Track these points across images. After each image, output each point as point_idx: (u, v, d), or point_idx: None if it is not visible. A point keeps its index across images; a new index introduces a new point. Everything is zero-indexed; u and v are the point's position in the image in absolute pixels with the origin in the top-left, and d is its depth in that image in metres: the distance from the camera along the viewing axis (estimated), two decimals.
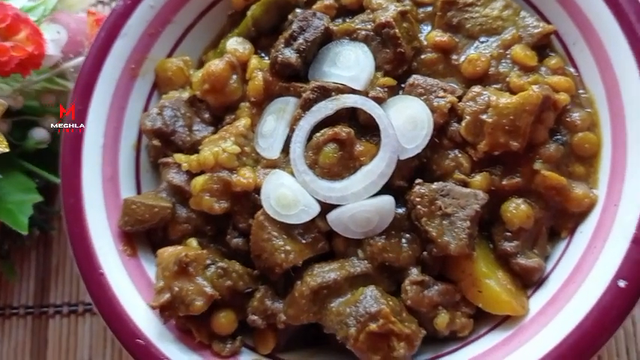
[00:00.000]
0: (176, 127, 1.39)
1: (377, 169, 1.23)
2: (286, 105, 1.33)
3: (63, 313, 1.67)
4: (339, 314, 1.19)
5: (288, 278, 1.26)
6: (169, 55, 1.48)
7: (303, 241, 1.24)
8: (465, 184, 1.24)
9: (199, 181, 1.29)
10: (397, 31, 1.28)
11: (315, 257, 1.25)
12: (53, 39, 1.51)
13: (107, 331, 1.60)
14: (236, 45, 1.41)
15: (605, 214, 1.21)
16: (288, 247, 1.23)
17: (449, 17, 1.34)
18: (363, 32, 1.32)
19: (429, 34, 1.34)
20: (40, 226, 1.67)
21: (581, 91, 1.31)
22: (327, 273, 1.22)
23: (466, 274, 1.22)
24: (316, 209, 1.23)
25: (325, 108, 1.27)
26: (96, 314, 1.61)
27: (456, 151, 1.27)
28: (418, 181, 1.24)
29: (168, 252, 1.28)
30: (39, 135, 1.59)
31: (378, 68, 1.31)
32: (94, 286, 1.30)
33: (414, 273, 1.23)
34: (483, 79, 1.30)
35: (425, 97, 1.27)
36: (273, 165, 1.31)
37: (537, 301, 1.23)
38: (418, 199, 1.22)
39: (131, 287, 1.31)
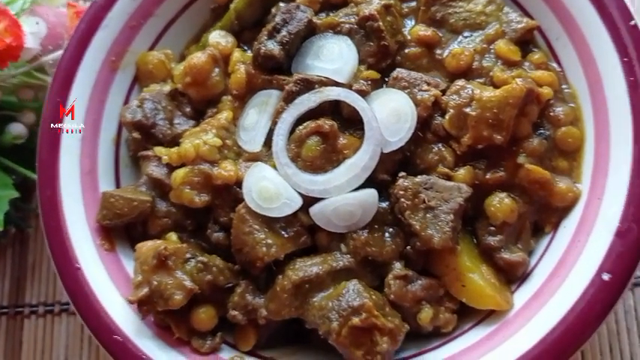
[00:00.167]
0: (156, 120, 1.37)
1: (360, 162, 1.22)
2: (269, 98, 1.32)
3: (39, 313, 1.62)
4: (321, 308, 1.17)
5: (269, 273, 1.25)
6: (151, 49, 1.46)
7: (285, 235, 1.22)
8: (449, 178, 1.24)
9: (180, 173, 1.27)
10: (381, 23, 1.28)
11: (298, 251, 1.23)
12: (32, 31, 1.49)
13: (84, 332, 1.58)
14: (218, 38, 1.40)
15: (589, 208, 1.21)
16: (269, 241, 1.21)
17: (432, 12, 1.35)
18: (347, 25, 1.32)
19: (413, 29, 1.34)
20: (16, 223, 1.63)
21: (564, 86, 1.31)
22: (309, 267, 1.20)
23: (450, 269, 1.21)
24: (298, 202, 1.22)
25: (308, 101, 1.26)
26: (73, 314, 1.59)
27: (440, 145, 1.26)
28: (402, 174, 1.23)
29: (147, 246, 1.26)
30: (16, 130, 1.56)
31: (361, 61, 1.30)
32: (70, 281, 1.26)
33: (398, 267, 1.21)
34: (467, 73, 1.30)
35: (409, 90, 1.26)
36: (255, 158, 1.29)
37: (521, 295, 1.22)
38: (402, 193, 1.21)
39: (108, 282, 1.28)
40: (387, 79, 1.30)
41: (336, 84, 1.27)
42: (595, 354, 1.41)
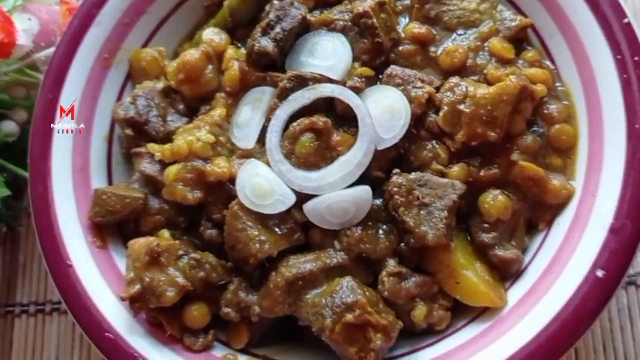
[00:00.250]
0: (149, 117, 1.36)
1: (354, 158, 1.21)
2: (262, 95, 1.31)
3: (30, 312, 1.60)
4: (315, 305, 1.16)
5: (262, 270, 1.24)
6: (144, 46, 1.46)
7: (279, 232, 1.22)
8: (443, 175, 1.23)
9: (172, 170, 1.26)
10: (375, 20, 1.28)
11: (291, 248, 1.23)
12: (24, 28, 1.48)
13: (75, 331, 1.57)
14: (212, 35, 1.40)
15: (583, 205, 1.21)
16: (262, 238, 1.20)
17: (426, 10, 1.35)
18: (341, 22, 1.32)
19: (407, 26, 1.34)
20: (7, 222, 1.62)
21: (557, 84, 1.31)
22: (302, 264, 1.19)
23: (444, 266, 1.20)
24: (292, 199, 1.21)
25: (302, 97, 1.25)
26: (64, 313, 1.57)
27: (434, 142, 1.26)
28: (396, 171, 1.23)
29: (140, 243, 1.25)
30: (8, 128, 1.55)
31: (355, 58, 1.30)
32: (61, 278, 1.25)
33: (391, 264, 1.21)
34: (461, 70, 1.30)
35: (402, 87, 1.26)
36: (248, 155, 1.29)
37: (515, 292, 1.22)
38: (395, 189, 1.20)
39: (100, 280, 1.27)
40: (381, 76, 1.30)
41: (330, 81, 1.27)
42: (589, 352, 1.41)
